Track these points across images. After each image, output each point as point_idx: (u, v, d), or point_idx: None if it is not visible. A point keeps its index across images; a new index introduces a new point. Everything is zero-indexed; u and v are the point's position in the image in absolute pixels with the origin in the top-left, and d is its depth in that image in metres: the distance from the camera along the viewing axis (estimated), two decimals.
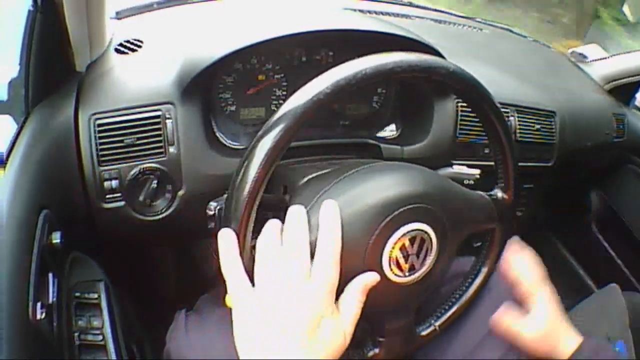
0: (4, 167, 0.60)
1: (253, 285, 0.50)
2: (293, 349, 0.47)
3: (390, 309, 0.61)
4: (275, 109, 0.82)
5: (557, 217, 1.54)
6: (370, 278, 0.53)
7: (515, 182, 0.66)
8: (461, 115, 0.90)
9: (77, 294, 0.68)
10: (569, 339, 0.66)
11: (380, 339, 0.62)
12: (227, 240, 0.51)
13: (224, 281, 0.51)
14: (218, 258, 0.51)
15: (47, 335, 0.57)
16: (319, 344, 0.48)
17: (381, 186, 0.57)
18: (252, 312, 0.49)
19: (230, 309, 0.52)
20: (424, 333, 0.66)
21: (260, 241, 0.51)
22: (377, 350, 0.62)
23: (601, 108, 1.24)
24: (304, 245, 0.50)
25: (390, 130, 0.92)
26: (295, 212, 0.52)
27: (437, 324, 0.67)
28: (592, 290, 1.45)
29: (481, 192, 0.65)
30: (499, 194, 0.66)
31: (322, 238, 0.51)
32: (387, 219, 0.54)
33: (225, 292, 0.51)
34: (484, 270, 0.69)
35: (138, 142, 0.72)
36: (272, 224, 0.52)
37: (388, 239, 0.54)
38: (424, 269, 0.57)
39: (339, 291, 0.52)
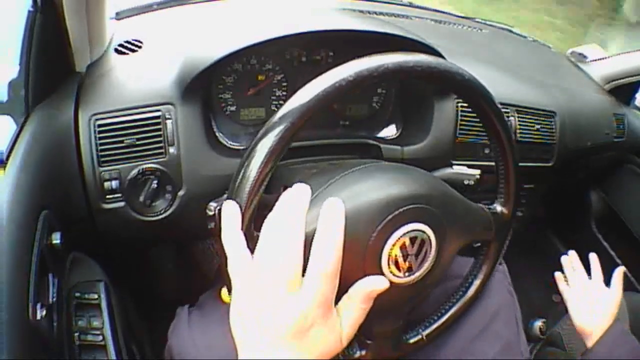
0: (4, 167, 0.60)
1: None
2: (284, 341, 0.44)
3: (382, 311, 0.60)
4: (275, 109, 0.81)
5: (557, 217, 1.54)
6: (377, 285, 0.48)
7: (515, 195, 0.66)
8: (461, 116, 0.90)
9: (77, 294, 0.68)
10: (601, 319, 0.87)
11: (368, 342, 0.62)
12: (230, 214, 0.49)
13: (226, 278, 0.50)
14: (220, 256, 0.50)
15: (47, 335, 0.57)
16: (310, 341, 0.45)
17: (384, 184, 0.57)
18: (249, 288, 0.46)
19: (228, 304, 0.52)
20: (411, 341, 0.65)
21: (268, 221, 0.48)
22: (363, 352, 0.62)
23: (601, 108, 1.24)
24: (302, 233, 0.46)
25: (390, 130, 0.92)
26: (298, 191, 0.48)
27: (425, 333, 0.66)
28: None
29: (482, 205, 0.65)
30: (499, 208, 0.66)
31: (324, 227, 0.46)
32: (389, 217, 0.54)
33: (222, 287, 0.51)
34: (476, 282, 0.69)
35: (138, 142, 0.72)
36: (282, 206, 0.47)
37: (389, 236, 0.54)
38: (422, 270, 0.57)
39: (339, 292, 0.49)
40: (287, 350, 0.44)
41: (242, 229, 0.50)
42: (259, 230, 0.52)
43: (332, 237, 0.46)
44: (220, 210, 0.59)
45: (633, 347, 0.84)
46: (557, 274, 0.99)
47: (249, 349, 0.45)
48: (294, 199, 0.47)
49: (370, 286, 0.49)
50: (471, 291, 0.69)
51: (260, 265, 0.46)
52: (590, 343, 0.85)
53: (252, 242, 0.50)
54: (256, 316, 0.45)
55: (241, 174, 0.50)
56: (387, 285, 0.50)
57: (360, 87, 0.50)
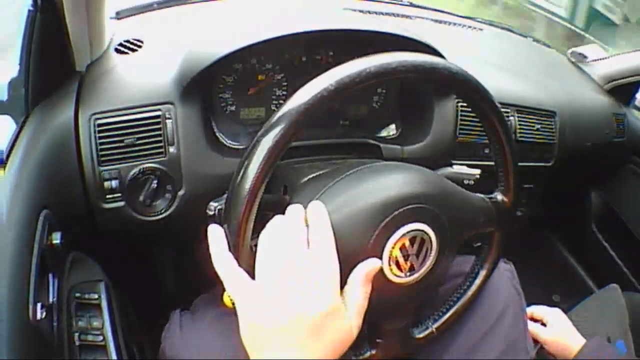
0: (4, 167, 0.60)
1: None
2: (299, 341, 0.46)
3: (388, 310, 0.61)
4: (275, 109, 0.81)
5: (557, 217, 1.54)
6: (371, 265, 0.52)
7: (515, 185, 0.66)
8: (461, 115, 0.90)
9: (77, 294, 0.68)
10: (575, 341, 0.88)
11: (377, 340, 0.62)
12: (217, 237, 0.52)
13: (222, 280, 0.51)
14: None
15: (47, 335, 0.57)
16: (326, 337, 0.47)
17: (382, 186, 0.57)
18: (255, 305, 0.48)
19: (227, 308, 0.52)
20: (421, 335, 0.66)
21: (263, 236, 0.51)
22: (373, 352, 0.62)
23: (601, 108, 1.24)
24: (303, 243, 0.50)
25: (390, 130, 0.92)
26: (295, 210, 0.53)
27: (435, 326, 0.67)
28: (592, 290, 1.45)
29: (481, 195, 0.65)
30: (499, 197, 0.66)
31: (313, 232, 0.51)
32: (388, 218, 0.54)
33: (224, 291, 0.51)
34: (483, 273, 0.69)
35: (138, 142, 0.72)
36: (277, 220, 0.52)
37: (388, 238, 0.54)
38: (424, 269, 0.57)
39: (342, 286, 0.51)
40: (305, 342, 0.46)
41: (242, 231, 0.50)
42: (259, 230, 0.52)
43: (324, 234, 0.51)
44: (220, 210, 0.59)
45: (613, 354, 0.86)
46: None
47: (265, 345, 0.47)
48: (291, 224, 0.51)
49: (366, 268, 0.51)
50: (477, 282, 0.69)
51: (263, 287, 0.48)
52: (570, 356, 0.87)
53: (249, 255, 0.50)
54: (270, 326, 0.47)
55: (241, 173, 0.50)
56: (379, 264, 0.53)
57: (346, 93, 0.50)
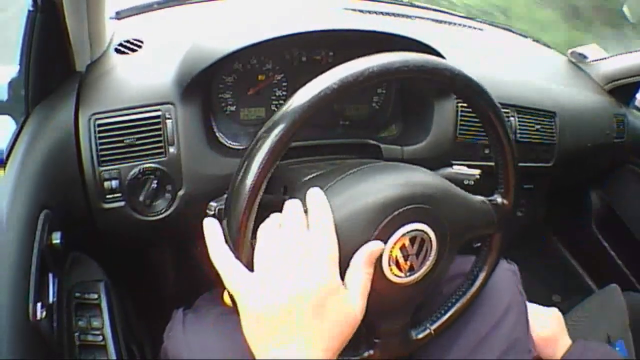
0: (4, 167, 0.60)
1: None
2: (303, 325, 0.46)
3: (387, 310, 0.61)
4: (275, 109, 0.81)
5: (557, 217, 1.54)
6: (374, 247, 0.52)
7: (515, 186, 0.66)
8: (461, 116, 0.90)
9: (77, 294, 0.68)
10: (563, 342, 0.84)
11: (376, 340, 0.62)
12: (212, 230, 0.52)
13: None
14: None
15: (47, 335, 0.57)
16: (330, 317, 0.47)
17: (382, 186, 0.57)
18: (255, 295, 0.47)
19: (229, 308, 0.52)
20: (419, 336, 0.66)
21: (262, 227, 0.51)
22: (371, 352, 0.62)
23: (601, 108, 1.24)
24: (302, 228, 0.50)
25: (390, 130, 0.92)
26: (292, 203, 0.52)
27: (433, 327, 0.67)
28: (592, 290, 1.45)
29: (481, 197, 0.65)
30: (499, 199, 0.66)
31: (312, 214, 0.51)
32: (388, 218, 0.54)
33: (224, 289, 0.51)
34: (482, 275, 0.69)
35: (138, 142, 0.72)
36: (274, 215, 0.52)
37: (388, 238, 0.54)
38: (424, 269, 0.57)
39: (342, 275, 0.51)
40: (307, 328, 0.46)
41: (242, 230, 0.50)
42: (256, 229, 0.52)
43: (323, 215, 0.51)
44: (220, 209, 0.59)
45: (598, 354, 0.84)
46: None
47: (268, 337, 0.47)
48: (289, 213, 0.51)
49: (369, 249, 0.52)
50: (477, 284, 0.69)
51: (262, 274, 0.48)
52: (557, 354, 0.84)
53: (249, 252, 0.50)
54: (272, 313, 0.46)
55: (243, 170, 0.50)
56: (382, 246, 0.53)
57: (348, 93, 0.50)
